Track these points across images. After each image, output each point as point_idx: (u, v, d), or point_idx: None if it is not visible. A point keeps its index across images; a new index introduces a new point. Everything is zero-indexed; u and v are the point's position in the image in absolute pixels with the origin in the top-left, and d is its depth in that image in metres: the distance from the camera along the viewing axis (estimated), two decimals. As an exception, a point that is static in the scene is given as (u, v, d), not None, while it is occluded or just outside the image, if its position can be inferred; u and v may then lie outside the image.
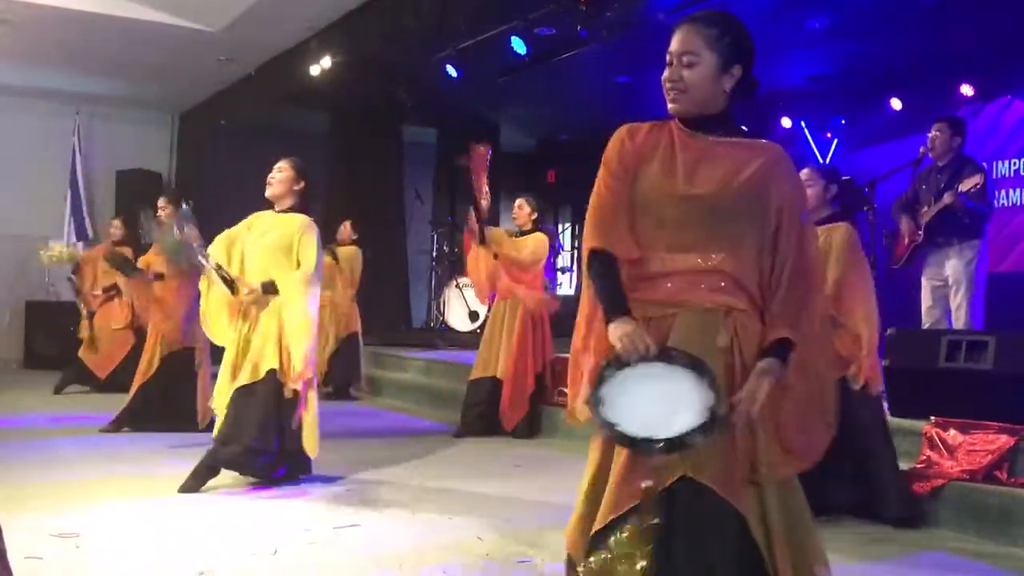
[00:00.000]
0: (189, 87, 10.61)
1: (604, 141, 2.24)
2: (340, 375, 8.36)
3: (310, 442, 4.49)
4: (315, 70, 8.53)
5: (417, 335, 10.56)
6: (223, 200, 9.54)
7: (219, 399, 4.51)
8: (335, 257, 8.27)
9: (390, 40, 7.72)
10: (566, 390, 2.26)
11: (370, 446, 5.83)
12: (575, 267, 12.14)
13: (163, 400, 6.07)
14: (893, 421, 4.47)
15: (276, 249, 4.55)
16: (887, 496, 3.95)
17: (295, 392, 4.42)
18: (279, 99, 10.03)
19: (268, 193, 4.68)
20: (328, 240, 8.34)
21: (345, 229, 8.54)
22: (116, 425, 6.04)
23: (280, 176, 4.67)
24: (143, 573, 3.16)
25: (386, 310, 10.78)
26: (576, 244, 12.83)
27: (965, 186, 5.21)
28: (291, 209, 4.67)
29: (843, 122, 9.39)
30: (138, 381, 6.15)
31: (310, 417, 4.47)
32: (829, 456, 4.00)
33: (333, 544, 3.54)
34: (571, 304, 2.24)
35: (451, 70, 8.54)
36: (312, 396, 4.52)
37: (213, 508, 4.09)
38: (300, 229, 4.59)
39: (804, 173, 4.18)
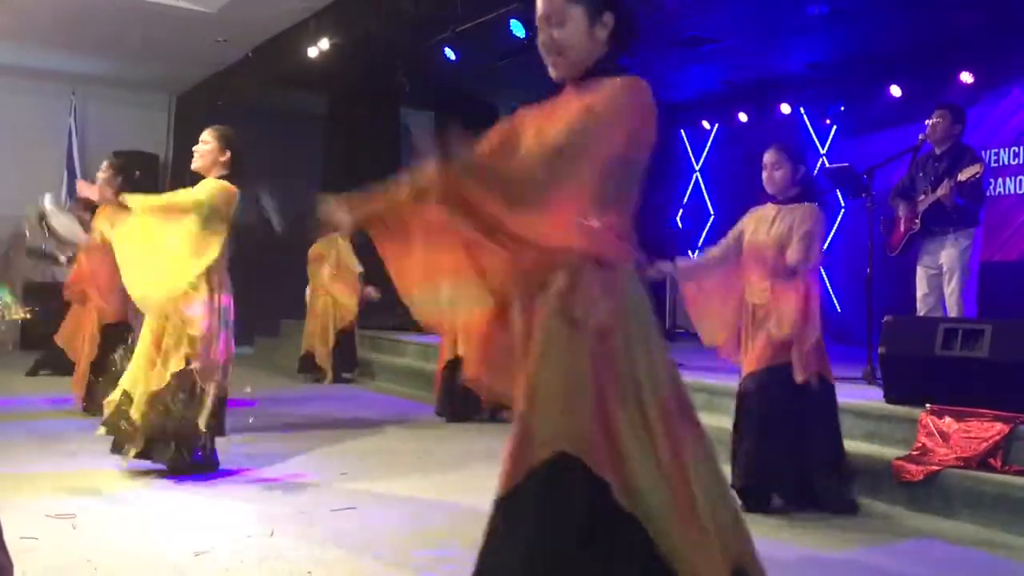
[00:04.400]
0: (186, 68, 10.55)
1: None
2: (338, 364, 8.39)
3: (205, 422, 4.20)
4: (313, 52, 8.49)
5: (414, 318, 10.52)
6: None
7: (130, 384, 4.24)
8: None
9: (388, 22, 7.68)
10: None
11: (366, 429, 5.83)
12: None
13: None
14: (888, 407, 4.49)
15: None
16: (825, 489, 3.93)
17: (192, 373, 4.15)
18: (277, 80, 9.97)
19: (193, 166, 4.34)
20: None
21: None
22: (95, 407, 5.86)
23: (203, 149, 4.29)
24: (139, 554, 3.16)
25: (383, 293, 10.75)
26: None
27: (964, 175, 5.18)
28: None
29: (842, 109, 9.36)
30: (86, 361, 5.95)
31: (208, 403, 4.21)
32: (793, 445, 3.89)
33: (330, 526, 3.55)
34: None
35: (450, 53, 8.50)
36: (210, 386, 4.21)
37: (210, 491, 4.10)
38: (206, 184, 4.24)
39: (770, 154, 4.02)
